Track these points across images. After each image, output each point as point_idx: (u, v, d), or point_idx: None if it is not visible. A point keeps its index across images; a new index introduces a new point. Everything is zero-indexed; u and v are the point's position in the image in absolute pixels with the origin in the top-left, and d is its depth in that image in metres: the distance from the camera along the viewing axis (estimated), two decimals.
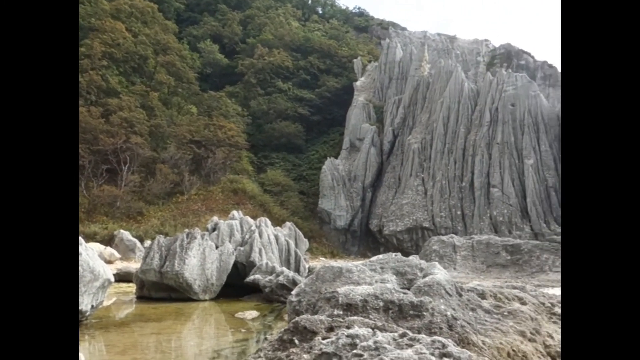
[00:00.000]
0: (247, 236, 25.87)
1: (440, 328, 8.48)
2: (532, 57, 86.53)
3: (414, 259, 12.13)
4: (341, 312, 8.90)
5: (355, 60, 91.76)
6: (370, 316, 8.85)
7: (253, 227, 26.66)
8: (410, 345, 6.40)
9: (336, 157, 72.33)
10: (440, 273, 11.21)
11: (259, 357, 7.21)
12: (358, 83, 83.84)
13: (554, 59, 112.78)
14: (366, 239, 67.56)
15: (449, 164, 64.49)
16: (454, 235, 46.33)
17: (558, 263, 40.33)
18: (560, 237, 44.28)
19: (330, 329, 7.85)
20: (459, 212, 61.62)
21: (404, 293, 9.54)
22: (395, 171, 69.09)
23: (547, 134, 63.07)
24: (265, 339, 12.78)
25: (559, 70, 79.26)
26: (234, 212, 29.26)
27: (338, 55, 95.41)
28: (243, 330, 14.36)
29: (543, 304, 17.57)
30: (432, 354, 6.03)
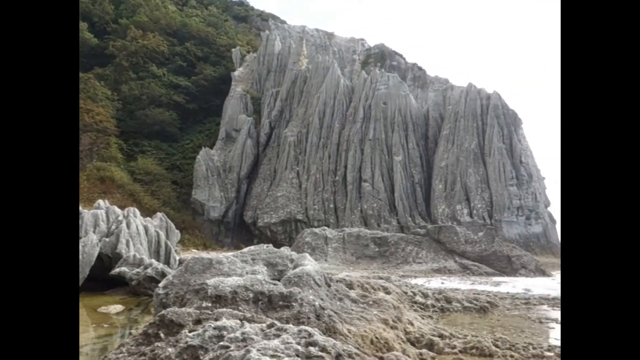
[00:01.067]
0: (113, 227, 24.57)
1: (309, 318, 8.63)
2: (404, 58, 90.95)
3: (285, 250, 12.24)
4: (210, 304, 8.75)
5: (233, 49, 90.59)
6: (240, 308, 8.79)
7: (120, 217, 25.37)
8: (278, 336, 6.44)
9: (211, 148, 71.03)
10: (310, 264, 11.42)
11: (121, 352, 6.87)
12: (236, 73, 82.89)
13: (424, 61, 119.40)
14: (240, 231, 67.20)
15: (324, 158, 66.00)
16: (326, 228, 47.51)
17: (421, 254, 42.86)
18: (424, 230, 47.08)
19: (198, 322, 7.68)
20: (331, 205, 63.31)
21: (274, 284, 9.59)
22: (271, 163, 69.35)
23: (415, 133, 66.75)
24: (130, 333, 12.23)
25: (428, 73, 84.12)
26: (100, 202, 27.65)
27: (216, 44, 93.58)
28: (106, 326, 13.63)
29: (406, 293, 18.60)
30: (299, 343, 6.11)
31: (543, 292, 27.61)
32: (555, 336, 14.04)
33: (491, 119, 63.91)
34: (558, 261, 54.51)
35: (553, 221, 64.88)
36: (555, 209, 66.74)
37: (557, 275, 42.10)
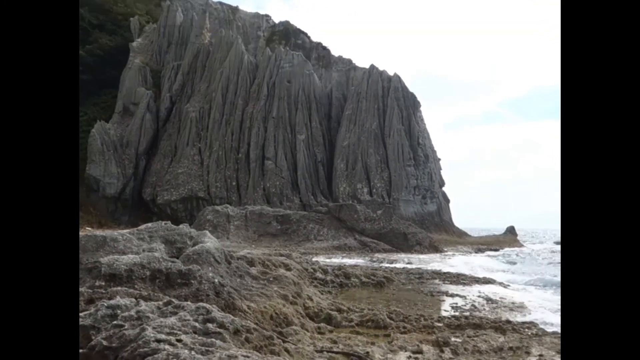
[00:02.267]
0: None
1: (208, 295, 8.53)
2: (308, 37, 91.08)
3: (184, 227, 11.98)
4: (103, 283, 8.39)
5: (132, 19, 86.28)
6: (136, 286, 8.51)
7: None
8: (175, 313, 6.31)
9: (107, 121, 67.63)
10: (210, 242, 11.26)
11: None
12: (134, 44, 79.14)
13: (328, 41, 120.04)
14: (138, 208, 64.87)
15: (226, 135, 65.01)
16: (228, 206, 47.04)
17: (323, 232, 43.64)
18: (326, 208, 47.90)
19: (91, 301, 7.36)
20: (234, 183, 62.69)
21: (172, 262, 9.37)
22: (171, 139, 67.28)
23: (318, 112, 67.39)
24: None
25: (332, 53, 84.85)
26: None
27: (113, 12, 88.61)
28: None
29: (306, 269, 18.89)
30: (196, 320, 6.03)
31: (436, 267, 29.13)
32: (445, 308, 14.88)
33: (391, 101, 65.85)
34: (450, 238, 57.66)
35: (447, 200, 68.40)
36: (449, 189, 70.24)
37: (449, 252, 44.53)
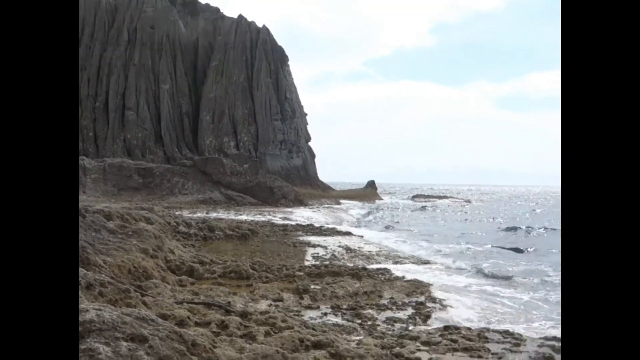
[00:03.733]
0: None
1: None
2: None
3: None
4: None
5: None
6: None
7: None
8: None
9: None
10: None
11: None
12: None
13: None
14: None
15: (82, 81, 60.34)
16: (84, 158, 44.18)
17: (187, 186, 42.72)
18: (191, 161, 46.80)
19: None
20: (91, 134, 58.82)
21: None
22: None
23: (184, 61, 64.76)
24: None
25: (199, 0, 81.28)
26: None
27: None
28: None
29: (169, 223, 18.45)
30: None
31: (299, 220, 29.91)
32: (306, 258, 15.42)
33: (260, 54, 65.07)
34: (315, 192, 59.28)
35: (312, 155, 69.92)
36: (314, 144, 71.77)
37: (314, 205, 45.86)
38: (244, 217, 29.05)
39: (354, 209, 46.42)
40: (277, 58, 66.71)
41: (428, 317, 8.72)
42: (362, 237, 22.51)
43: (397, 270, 13.37)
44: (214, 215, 30.01)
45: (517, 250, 19.52)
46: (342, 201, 55.09)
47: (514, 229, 29.24)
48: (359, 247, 18.10)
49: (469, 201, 71.40)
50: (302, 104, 71.82)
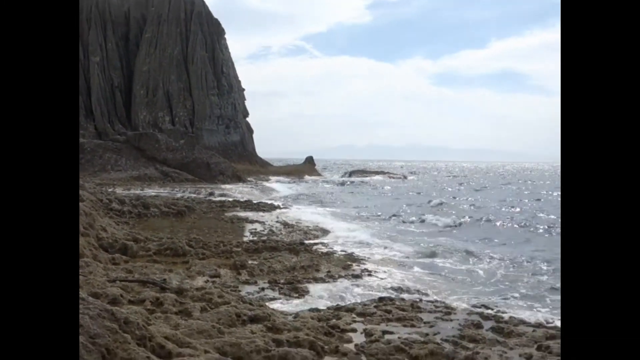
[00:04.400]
0: None
1: None
2: None
3: None
4: None
5: None
6: None
7: None
8: None
9: None
10: None
11: None
12: None
13: None
14: None
15: None
16: None
17: (121, 162, 41.44)
18: (124, 137, 45.34)
19: None
20: None
21: None
22: None
23: (115, 33, 62.17)
24: None
25: None
26: None
27: None
28: None
29: (101, 200, 17.89)
30: None
31: (237, 196, 29.69)
32: (244, 234, 15.37)
33: (195, 26, 63.29)
34: (253, 168, 58.89)
35: (250, 131, 69.22)
36: (252, 119, 71.06)
37: (252, 181, 45.57)
38: (180, 194, 28.55)
39: (292, 184, 46.51)
40: (213, 31, 65.16)
41: (364, 288, 8.93)
42: (300, 212, 22.63)
43: (334, 244, 13.56)
44: (149, 192, 29.32)
45: (448, 225, 20.18)
46: (280, 177, 55.04)
47: (441, 204, 30.20)
48: (296, 223, 18.19)
49: (405, 177, 72.98)
50: (240, 79, 70.73)
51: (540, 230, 18.64)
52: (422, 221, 21.00)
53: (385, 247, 13.62)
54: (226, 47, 67.87)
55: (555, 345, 6.00)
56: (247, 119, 69.84)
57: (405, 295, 8.57)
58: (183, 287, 7.34)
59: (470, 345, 5.95)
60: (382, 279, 9.84)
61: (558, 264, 12.43)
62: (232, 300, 6.93)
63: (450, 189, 46.94)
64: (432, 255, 12.91)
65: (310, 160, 68.83)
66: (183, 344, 4.64)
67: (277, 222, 18.08)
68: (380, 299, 8.18)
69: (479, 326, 6.84)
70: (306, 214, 21.93)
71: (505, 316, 7.53)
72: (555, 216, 22.73)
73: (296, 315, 6.94)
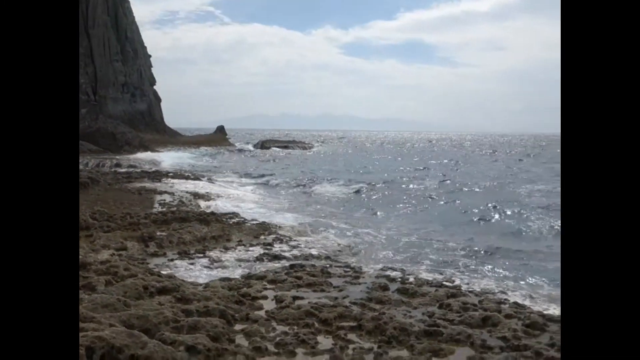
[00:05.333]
0: None
1: None
2: None
3: None
4: None
5: None
6: None
7: None
8: None
9: None
10: None
11: None
12: None
13: None
14: None
15: None
16: None
17: None
18: None
19: None
20: None
21: None
22: None
23: None
24: None
25: None
26: None
27: None
28: None
29: None
30: None
31: (145, 166, 28.76)
32: (153, 205, 14.94)
33: None
34: (162, 138, 57.10)
35: (158, 99, 66.74)
36: (160, 87, 68.54)
37: (161, 151, 44.19)
38: (83, 165, 27.21)
39: (204, 155, 45.67)
40: None
41: (276, 256, 8.98)
42: (211, 182, 22.30)
43: (246, 213, 13.51)
44: None
45: (357, 192, 20.65)
46: (191, 147, 53.79)
47: (354, 171, 30.87)
48: (207, 192, 17.92)
49: (311, 146, 73.79)
50: (146, 45, 67.68)
51: (442, 203, 19.44)
52: (333, 189, 21.35)
53: (297, 215, 13.75)
54: (130, 11, 64.59)
55: (456, 302, 6.38)
56: (155, 87, 67.24)
57: (315, 262, 8.73)
58: (86, 260, 7.07)
59: (377, 307, 6.18)
60: (293, 246, 9.95)
61: (452, 230, 13.14)
62: (139, 273, 6.76)
63: (362, 160, 47.95)
64: (350, 220, 13.19)
65: (221, 130, 67.68)
66: (86, 319, 4.49)
67: (186, 192, 17.72)
68: (291, 265, 8.28)
69: (385, 288, 7.11)
70: (216, 184, 21.64)
71: (411, 278, 7.87)
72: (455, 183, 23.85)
73: (206, 285, 6.88)
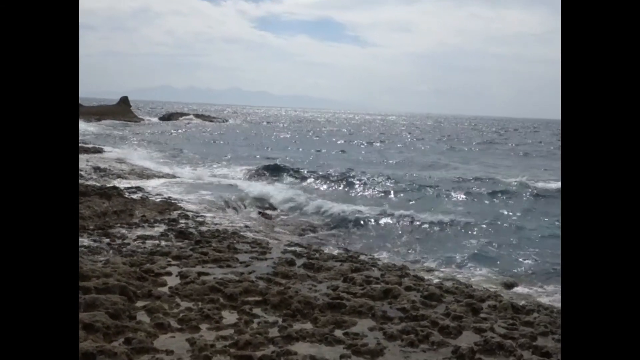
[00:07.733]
0: None
1: None
2: None
3: None
4: None
5: None
6: None
7: None
8: None
9: None
10: None
11: None
12: None
13: None
14: None
15: None
16: None
17: None
18: None
19: None
20: None
21: None
22: None
23: None
24: None
25: None
26: None
27: None
28: None
29: None
30: None
31: None
32: None
33: None
34: None
35: None
36: None
37: None
38: None
39: (106, 126, 43.63)
40: None
41: (181, 232, 8.78)
42: (113, 154, 21.38)
43: (150, 188, 13.09)
44: None
45: (263, 167, 20.63)
46: (91, 118, 51.13)
47: (261, 148, 30.82)
48: (109, 166, 17.18)
49: (226, 120, 72.51)
50: None
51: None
52: (240, 164, 21.17)
53: (204, 191, 13.51)
54: None
55: (359, 277, 6.57)
56: None
57: (222, 237, 8.64)
58: None
59: (283, 281, 6.24)
60: (199, 222, 9.79)
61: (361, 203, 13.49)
62: None
63: (267, 138, 47.87)
64: (249, 198, 13.13)
65: (125, 101, 64.59)
66: None
67: (87, 164, 16.86)
68: (197, 241, 8.15)
69: (292, 263, 7.18)
70: (119, 156, 20.77)
71: (317, 253, 8.00)
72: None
73: (107, 261, 6.62)
